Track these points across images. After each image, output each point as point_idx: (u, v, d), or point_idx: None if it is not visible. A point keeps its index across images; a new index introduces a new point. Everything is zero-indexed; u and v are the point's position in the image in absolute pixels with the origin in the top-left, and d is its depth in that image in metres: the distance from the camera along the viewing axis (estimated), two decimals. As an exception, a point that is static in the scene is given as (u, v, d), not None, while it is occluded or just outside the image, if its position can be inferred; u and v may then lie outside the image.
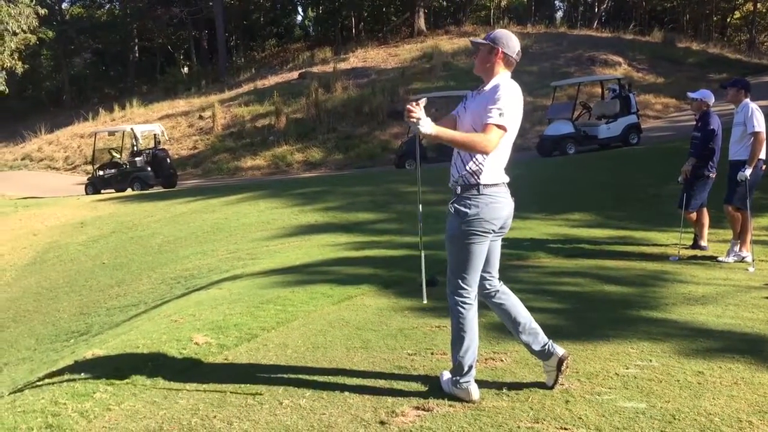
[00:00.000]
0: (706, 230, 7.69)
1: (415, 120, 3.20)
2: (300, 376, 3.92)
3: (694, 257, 7.29)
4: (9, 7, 29.29)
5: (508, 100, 3.28)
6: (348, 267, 7.50)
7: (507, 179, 3.43)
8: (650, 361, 3.90)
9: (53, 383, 4.23)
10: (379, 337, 4.62)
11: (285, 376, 3.94)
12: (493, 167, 3.34)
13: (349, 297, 5.90)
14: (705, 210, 7.62)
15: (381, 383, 3.72)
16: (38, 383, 4.40)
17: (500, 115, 3.23)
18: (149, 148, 22.13)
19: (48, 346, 8.12)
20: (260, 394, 3.67)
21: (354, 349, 4.39)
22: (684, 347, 4.14)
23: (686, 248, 7.59)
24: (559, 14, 54.12)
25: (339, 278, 6.71)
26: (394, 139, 24.28)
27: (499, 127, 3.23)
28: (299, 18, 53.56)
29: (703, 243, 7.64)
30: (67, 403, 3.71)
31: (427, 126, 3.19)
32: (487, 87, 3.39)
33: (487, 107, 3.27)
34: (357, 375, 3.88)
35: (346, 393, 3.60)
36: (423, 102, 3.30)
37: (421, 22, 38.86)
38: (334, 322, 5.08)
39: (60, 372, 4.52)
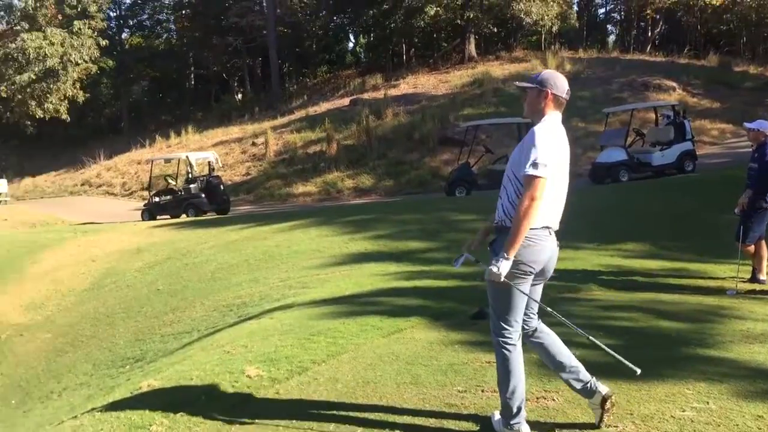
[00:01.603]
0: (764, 263, 7.48)
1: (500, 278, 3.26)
2: (350, 412, 3.95)
3: (753, 291, 7.09)
4: (72, 38, 30.61)
5: (545, 148, 3.26)
6: (398, 298, 7.51)
7: (554, 225, 3.41)
8: (707, 403, 3.80)
9: (111, 414, 4.35)
10: (429, 372, 4.62)
11: (335, 412, 3.97)
12: None
13: (399, 330, 5.91)
14: (763, 242, 7.41)
15: (431, 422, 3.72)
16: (97, 413, 4.53)
17: (534, 166, 3.22)
18: (203, 175, 22.62)
19: (104, 372, 8.35)
20: (312, 430, 3.71)
21: (404, 384, 4.40)
22: (742, 389, 4.02)
23: (744, 282, 7.38)
24: (612, 38, 53.64)
25: (389, 310, 6.73)
26: (445, 165, 24.30)
27: (537, 177, 3.22)
28: (351, 45, 54.38)
29: (762, 277, 7.43)
30: (125, 436, 3.81)
31: (502, 266, 3.24)
32: (528, 134, 3.39)
33: (525, 157, 3.28)
34: (407, 412, 3.88)
35: (397, 431, 3.61)
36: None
37: (472, 48, 38.95)
38: (384, 356, 5.10)
39: (117, 403, 4.66)
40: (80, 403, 6.84)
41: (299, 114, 33.90)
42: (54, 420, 6.05)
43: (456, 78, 34.44)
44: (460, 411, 3.86)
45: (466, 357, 4.94)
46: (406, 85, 35.19)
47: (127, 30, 51.83)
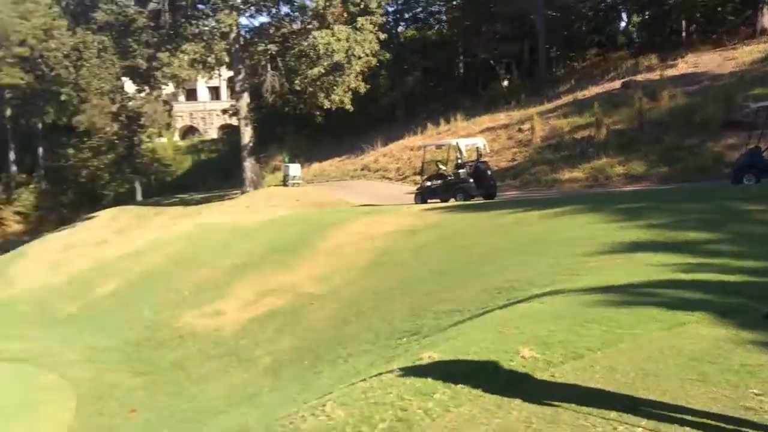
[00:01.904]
0: None
1: None
2: (630, 403, 3.85)
3: None
4: (356, 34, 33.10)
5: None
6: (676, 290, 7.08)
7: None
8: None
9: (396, 380, 4.72)
10: (718, 371, 4.33)
11: (614, 401, 3.90)
12: None
13: (681, 324, 5.59)
14: None
15: (725, 426, 3.48)
16: (383, 378, 4.94)
17: None
18: (472, 161, 23.14)
19: (384, 342, 9.02)
20: (592, 415, 3.69)
21: (689, 381, 4.18)
22: None
23: None
24: None
25: (667, 302, 6.38)
26: (729, 150, 22.14)
27: None
28: (622, 24, 51.68)
29: None
30: (412, 400, 4.12)
31: None
32: None
33: None
34: (695, 411, 3.68)
35: (687, 428, 3.45)
36: None
37: (765, 20, 34.80)
38: (665, 350, 4.87)
39: (402, 370, 5.03)
40: (364, 368, 7.49)
41: (566, 99, 33.15)
42: (343, 381, 6.71)
43: (745, 54, 31.10)
44: (761, 417, 3.56)
45: (761, 358, 4.54)
46: (684, 65, 32.63)
47: (402, 23, 54.65)
